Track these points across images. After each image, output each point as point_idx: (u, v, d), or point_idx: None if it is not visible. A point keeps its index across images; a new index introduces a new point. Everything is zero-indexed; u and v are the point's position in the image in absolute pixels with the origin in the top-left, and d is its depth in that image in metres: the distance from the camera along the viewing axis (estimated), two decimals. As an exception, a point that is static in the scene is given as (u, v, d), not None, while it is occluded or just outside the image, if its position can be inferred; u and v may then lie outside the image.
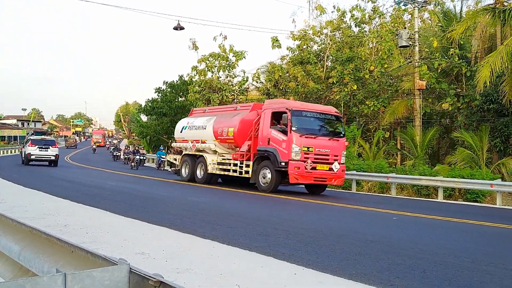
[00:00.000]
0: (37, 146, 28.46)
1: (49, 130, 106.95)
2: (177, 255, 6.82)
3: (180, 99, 36.59)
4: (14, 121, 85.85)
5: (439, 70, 26.28)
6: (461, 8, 30.29)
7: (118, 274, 2.81)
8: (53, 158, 29.17)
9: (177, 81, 36.53)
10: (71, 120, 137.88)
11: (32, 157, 28.76)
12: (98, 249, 6.72)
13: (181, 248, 7.36)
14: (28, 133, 78.49)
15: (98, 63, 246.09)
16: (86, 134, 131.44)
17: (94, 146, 66.55)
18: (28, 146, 29.04)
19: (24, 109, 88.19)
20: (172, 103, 35.25)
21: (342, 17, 33.32)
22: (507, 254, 7.79)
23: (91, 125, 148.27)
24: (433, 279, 5.84)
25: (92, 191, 16.24)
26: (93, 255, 3.16)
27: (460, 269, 6.42)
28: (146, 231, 8.88)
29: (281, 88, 35.28)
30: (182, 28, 28.14)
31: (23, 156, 30.18)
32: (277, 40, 33.51)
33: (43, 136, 34.51)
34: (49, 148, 29.01)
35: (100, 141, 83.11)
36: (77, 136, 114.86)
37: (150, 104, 37.12)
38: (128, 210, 11.55)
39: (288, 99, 33.89)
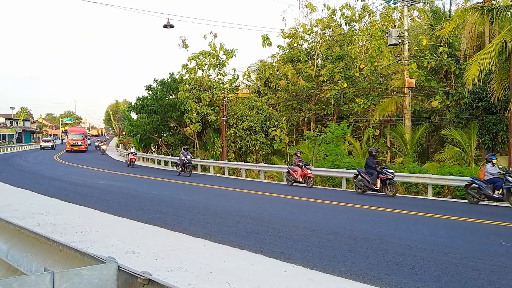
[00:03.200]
0: (43, 141, 66.76)
1: (38, 128, 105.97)
2: (167, 254, 6.82)
3: (170, 97, 36.41)
4: (2, 120, 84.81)
5: (428, 68, 26.45)
6: (450, 6, 30.61)
7: (106, 272, 2.81)
8: (50, 146, 64.35)
9: (167, 79, 36.38)
10: (60, 119, 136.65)
11: (42, 146, 64.40)
12: (88, 248, 6.70)
13: (172, 246, 7.35)
14: (16, 132, 77.88)
15: (87, 62, 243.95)
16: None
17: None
18: (41, 142, 67.70)
19: (13, 108, 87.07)
20: (163, 101, 35.05)
21: (332, 15, 33.45)
22: (495, 250, 7.86)
23: (80, 124, 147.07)
24: (422, 276, 5.89)
25: (81, 190, 16.14)
26: (81, 254, 3.14)
27: (449, 265, 6.48)
28: (136, 229, 8.86)
29: (271, 86, 35.31)
30: (172, 26, 28.01)
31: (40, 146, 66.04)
32: (267, 38, 33.52)
33: (48, 138, 73.71)
34: (50, 141, 66.28)
35: (80, 143, 57.96)
36: (66, 135, 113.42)
37: (140, 102, 36.91)
38: (118, 209, 11.51)
39: (278, 97, 34.03)
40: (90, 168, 30.35)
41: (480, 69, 19.63)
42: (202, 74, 34.60)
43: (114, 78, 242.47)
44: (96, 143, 60.97)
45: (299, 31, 34.10)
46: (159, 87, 36.58)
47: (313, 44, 34.27)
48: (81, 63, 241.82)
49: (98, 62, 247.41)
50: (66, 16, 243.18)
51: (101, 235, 8.19)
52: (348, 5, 32.55)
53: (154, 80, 36.90)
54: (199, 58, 33.83)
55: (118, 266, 2.82)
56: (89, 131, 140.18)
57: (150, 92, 36.79)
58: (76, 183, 19.11)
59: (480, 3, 24.35)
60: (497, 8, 20.79)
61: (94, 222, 9.45)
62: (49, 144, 64.51)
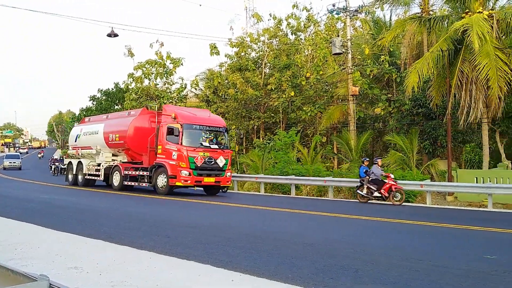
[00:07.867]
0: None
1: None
2: (112, 268, 6.64)
3: (116, 107, 35.77)
4: None
5: (371, 76, 27.37)
6: (390, 17, 31.74)
7: (37, 290, 2.72)
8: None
9: (112, 89, 35.73)
10: (0, 131, 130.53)
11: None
12: (28, 265, 6.43)
13: (117, 260, 7.17)
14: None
15: (28, 72, 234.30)
16: (17, 145, 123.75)
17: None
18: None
19: None
20: (108, 112, 34.40)
21: (278, 25, 33.96)
22: (434, 250, 8.21)
23: (21, 136, 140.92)
24: (364, 278, 6.05)
25: (23, 205, 15.45)
26: (14, 272, 3.03)
27: (391, 267, 6.70)
28: (80, 245, 8.57)
29: (220, 95, 35.33)
30: (116, 35, 27.52)
31: None
32: (215, 47, 33.56)
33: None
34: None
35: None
36: (7, 147, 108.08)
37: (84, 113, 36.07)
38: (62, 224, 11.10)
39: (227, 106, 34.00)
40: (30, 181, 29.13)
41: (419, 77, 20.52)
42: (149, 83, 34.23)
43: (57, 88, 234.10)
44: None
45: (246, 40, 34.38)
46: (104, 97, 35.88)
47: (261, 53, 34.64)
48: (21, 73, 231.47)
49: (40, 72, 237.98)
50: (5, 26, 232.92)
51: (43, 251, 7.88)
52: (294, 15, 33.15)
53: (99, 90, 36.31)
54: (145, 67, 33.46)
55: (50, 284, 2.74)
56: (31, 143, 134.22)
57: (95, 103, 35.99)
58: (17, 197, 18.30)
59: (418, 13, 25.50)
60: (433, 18, 21.82)
61: (36, 238, 9.07)
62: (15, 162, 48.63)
